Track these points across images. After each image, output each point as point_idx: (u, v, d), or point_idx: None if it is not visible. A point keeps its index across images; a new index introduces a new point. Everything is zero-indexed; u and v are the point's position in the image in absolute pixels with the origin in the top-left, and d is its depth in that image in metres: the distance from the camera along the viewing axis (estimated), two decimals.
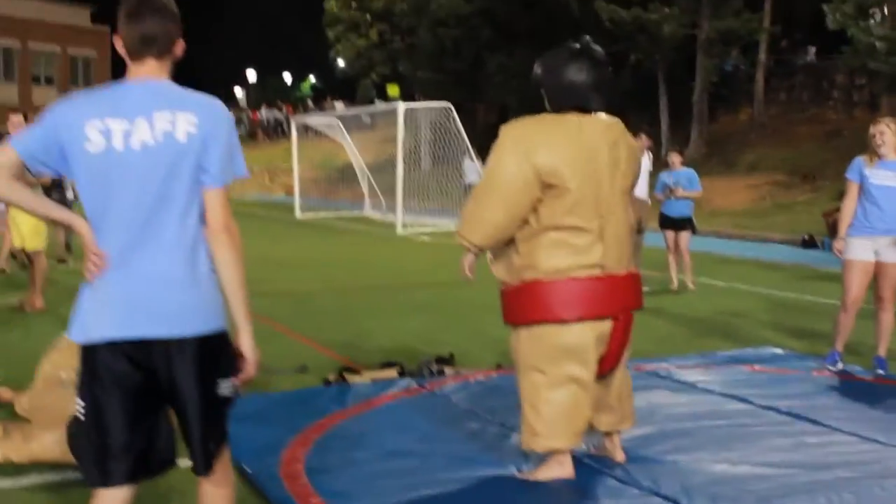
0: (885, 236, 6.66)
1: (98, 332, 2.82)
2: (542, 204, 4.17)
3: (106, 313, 2.82)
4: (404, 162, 23.14)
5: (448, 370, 6.63)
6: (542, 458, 4.40)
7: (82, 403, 2.88)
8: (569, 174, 4.14)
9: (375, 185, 28.07)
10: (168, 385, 2.85)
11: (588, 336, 4.24)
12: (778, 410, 5.59)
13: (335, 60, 51.64)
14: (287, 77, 68.67)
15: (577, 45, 4.35)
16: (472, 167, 24.55)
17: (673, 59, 30.07)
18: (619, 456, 4.62)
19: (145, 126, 2.81)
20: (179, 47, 2.98)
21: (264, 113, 53.58)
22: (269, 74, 68.10)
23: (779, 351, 7.51)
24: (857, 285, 6.75)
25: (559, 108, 4.35)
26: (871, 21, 21.68)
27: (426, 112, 25.55)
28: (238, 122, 53.88)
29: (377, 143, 31.41)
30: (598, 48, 4.38)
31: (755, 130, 28.98)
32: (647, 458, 4.66)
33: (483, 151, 26.14)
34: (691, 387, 6.19)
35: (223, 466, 3.05)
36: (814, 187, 22.98)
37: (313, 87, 65.92)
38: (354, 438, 5.01)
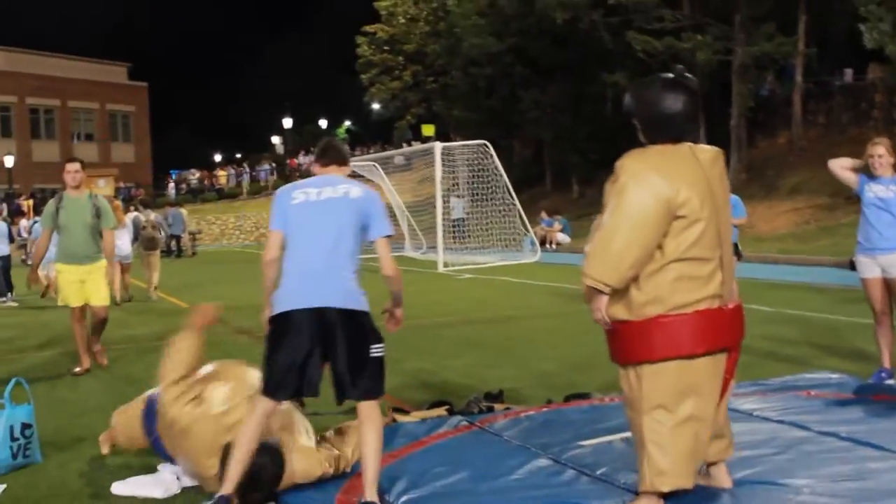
0: (886, 254, 7.08)
1: (299, 305, 4.49)
2: (668, 236, 4.07)
3: (303, 295, 4.50)
4: (443, 201, 23.19)
5: (497, 407, 6.56)
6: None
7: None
8: (699, 204, 4.08)
9: (415, 225, 28.11)
10: (333, 338, 4.48)
11: (712, 369, 4.20)
12: (838, 436, 5.45)
13: (370, 104, 52.09)
14: (323, 123, 69.29)
15: (671, 75, 4.29)
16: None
17: (708, 87, 29.96)
18: (728, 482, 4.56)
19: (329, 190, 4.71)
20: (349, 167, 5.08)
21: (301, 159, 53.99)
22: (305, 122, 68.78)
23: (834, 375, 7.35)
24: (876, 300, 7.21)
25: (654, 139, 4.24)
26: None
27: (463, 150, 25.63)
28: (279, 168, 54.33)
29: (415, 183, 31.50)
30: (691, 77, 4.33)
31: (795, 154, 28.75)
32: (708, 491, 4.55)
33: (520, 186, 26.09)
34: (748, 415, 6.06)
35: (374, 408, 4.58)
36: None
37: (349, 130, 66.46)
38: (407, 479, 4.94)
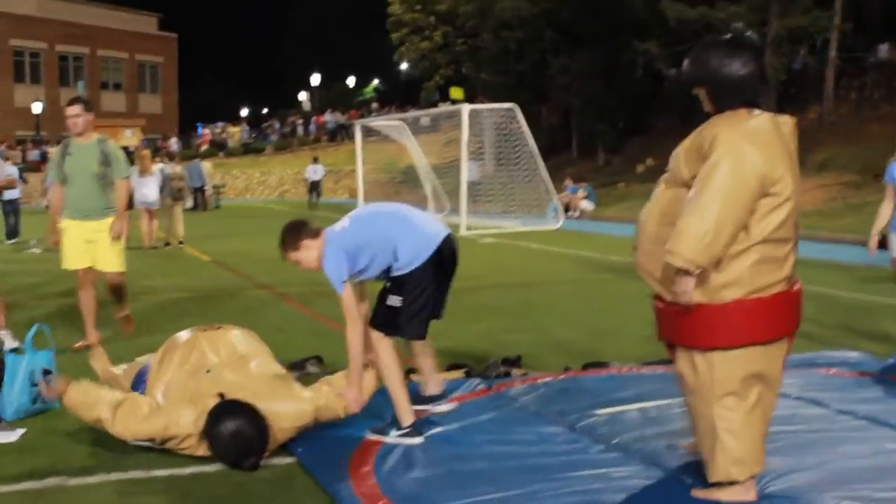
0: None
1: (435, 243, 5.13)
2: (755, 216, 3.78)
3: (426, 247, 5.09)
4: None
5: (515, 372, 6.56)
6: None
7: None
8: (791, 182, 3.81)
9: (439, 188, 28.05)
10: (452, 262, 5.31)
11: (780, 354, 4.02)
12: (856, 415, 5.42)
13: (399, 63, 51.89)
14: (351, 81, 69.10)
15: (733, 36, 3.96)
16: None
17: None
18: None
19: (355, 211, 5.51)
20: None
21: (328, 117, 53.91)
22: (333, 79, 68.64)
23: (855, 354, 7.30)
24: None
25: (727, 105, 3.92)
26: None
27: (490, 114, 25.49)
28: (304, 124, 54.26)
29: (441, 145, 31.38)
30: (753, 35, 4.05)
31: (825, 129, 28.45)
32: None
33: (546, 152, 25.88)
34: None
35: None
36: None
37: (377, 90, 66.28)
38: (423, 440, 4.96)
